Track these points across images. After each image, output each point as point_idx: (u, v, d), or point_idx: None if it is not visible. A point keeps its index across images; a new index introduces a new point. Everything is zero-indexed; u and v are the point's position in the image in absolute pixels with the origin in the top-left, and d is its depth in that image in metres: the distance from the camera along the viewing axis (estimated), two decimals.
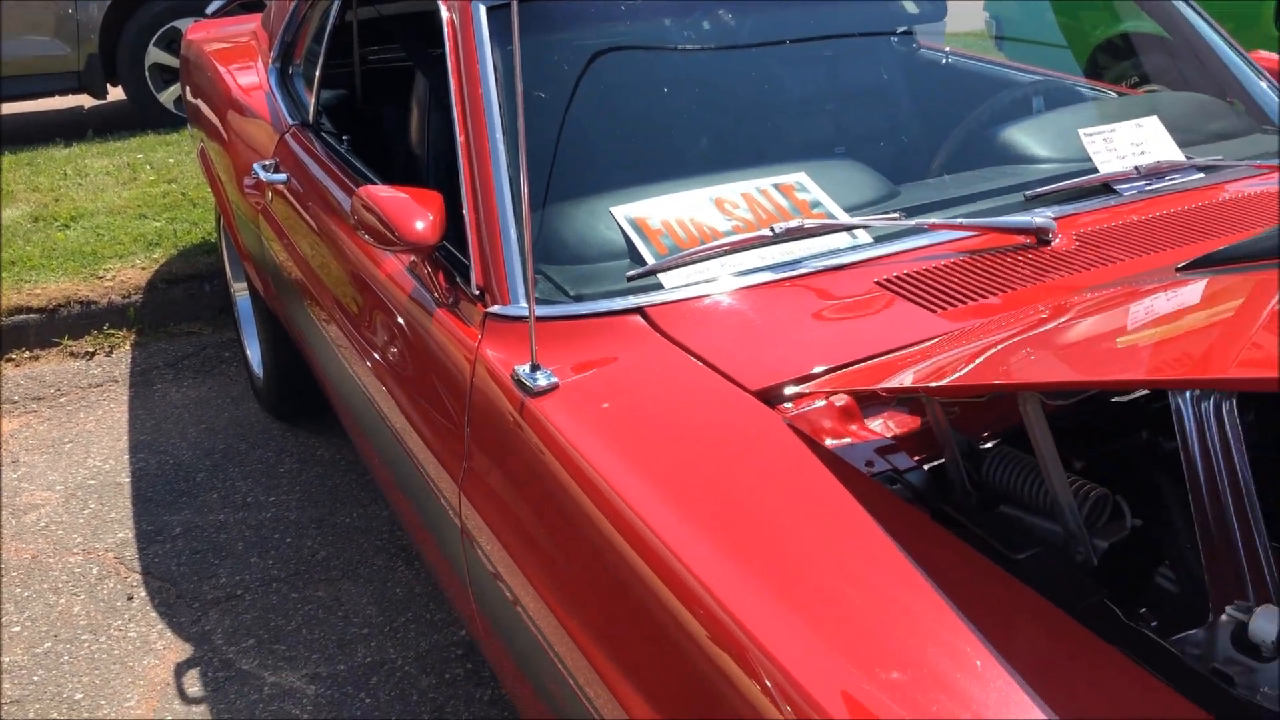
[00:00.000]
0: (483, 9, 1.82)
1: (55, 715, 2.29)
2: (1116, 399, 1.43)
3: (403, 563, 2.71)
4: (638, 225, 1.64)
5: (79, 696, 2.34)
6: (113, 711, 2.29)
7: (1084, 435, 1.39)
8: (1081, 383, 1.12)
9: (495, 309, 1.58)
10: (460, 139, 1.73)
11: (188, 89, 3.76)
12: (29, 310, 3.77)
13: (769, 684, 0.99)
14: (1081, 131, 1.85)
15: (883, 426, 1.35)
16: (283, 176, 2.48)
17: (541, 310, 1.53)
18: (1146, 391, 1.43)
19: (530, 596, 1.34)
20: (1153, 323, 1.17)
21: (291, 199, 2.43)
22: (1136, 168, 1.82)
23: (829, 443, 1.30)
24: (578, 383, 1.42)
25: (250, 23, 3.65)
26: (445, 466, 1.59)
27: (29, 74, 5.62)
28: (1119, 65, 2.84)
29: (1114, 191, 1.79)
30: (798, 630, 1.02)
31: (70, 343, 3.81)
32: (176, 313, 3.95)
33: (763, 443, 1.28)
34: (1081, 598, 1.09)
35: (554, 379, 1.42)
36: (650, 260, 1.60)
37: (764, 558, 1.11)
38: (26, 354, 3.77)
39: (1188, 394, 1.27)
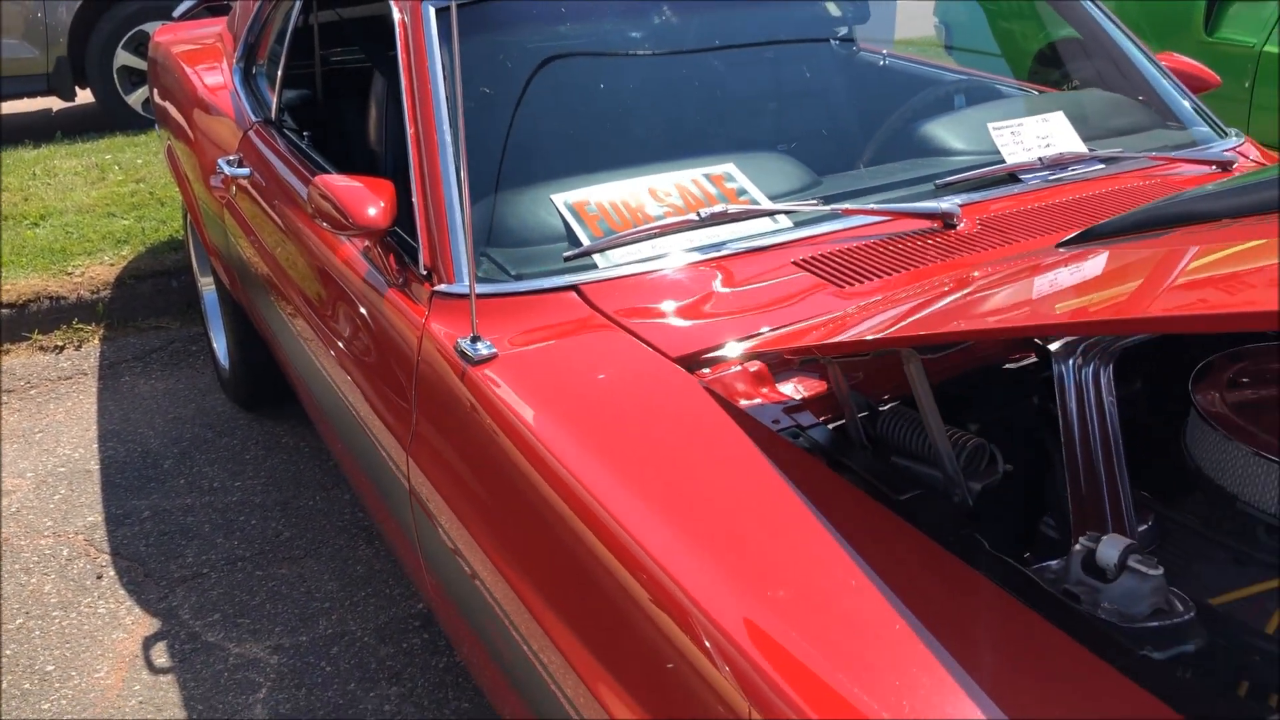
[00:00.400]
0: (431, 10, 1.94)
1: (28, 685, 2.39)
2: (1007, 366, 1.58)
3: (363, 542, 2.82)
4: (575, 210, 1.77)
5: (50, 668, 2.44)
6: (83, 682, 2.39)
7: (979, 402, 1.53)
8: (949, 334, 1.25)
9: (441, 287, 1.70)
10: (410, 130, 1.85)
11: (156, 90, 3.85)
12: None
13: (680, 608, 1.11)
14: (990, 125, 2.00)
15: (792, 390, 1.48)
16: (246, 171, 2.59)
17: (483, 288, 1.65)
18: (1035, 359, 1.57)
19: (470, 546, 1.46)
20: (1023, 287, 1.31)
21: (254, 192, 2.54)
22: (1040, 159, 1.96)
23: (742, 403, 1.42)
24: (516, 353, 1.55)
25: (216, 25, 3.75)
26: (394, 433, 1.71)
27: None
28: (1053, 71, 3.00)
29: (1019, 180, 1.94)
30: (705, 562, 1.15)
31: (40, 337, 3.90)
32: (144, 308, 4.04)
33: (681, 404, 1.41)
34: (955, 532, 1.22)
35: (493, 349, 1.54)
36: (585, 242, 1.72)
37: (679, 503, 1.23)
38: None
39: (1070, 361, 1.42)
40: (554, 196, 1.80)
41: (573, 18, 2.05)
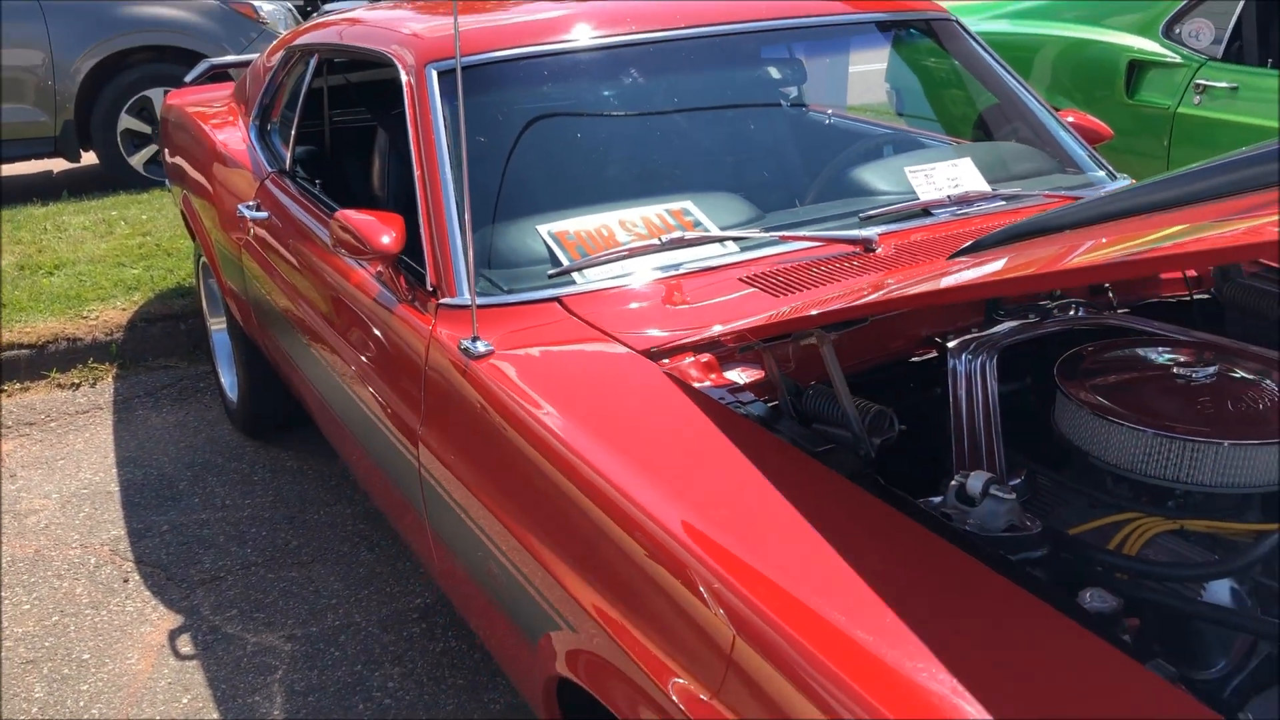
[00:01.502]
0: (434, 73, 2.30)
1: (67, 670, 2.66)
2: (913, 360, 1.92)
3: (364, 549, 3.12)
4: (557, 237, 2.12)
5: (86, 657, 2.72)
6: (116, 668, 2.67)
7: (892, 387, 1.87)
8: (850, 310, 1.59)
9: (445, 300, 2.04)
10: (417, 172, 2.20)
11: (168, 149, 4.20)
12: (20, 346, 4.15)
13: (644, 530, 1.43)
14: (906, 169, 2.36)
15: (736, 375, 1.81)
16: (265, 214, 2.93)
17: (481, 300, 1.99)
18: (935, 354, 1.92)
19: (470, 501, 1.78)
20: (927, 275, 1.65)
21: (272, 233, 2.88)
22: (949, 196, 2.32)
23: (696, 385, 1.76)
24: (509, 350, 1.88)
25: (224, 90, 4.11)
26: (405, 423, 2.04)
27: (11, 139, 6.04)
28: (976, 128, 3.35)
29: (930, 214, 2.29)
30: (666, 495, 1.47)
31: (58, 375, 4.20)
32: (155, 348, 4.35)
33: (646, 385, 1.74)
34: (860, 473, 1.55)
35: (491, 347, 1.88)
36: (565, 262, 2.07)
37: (643, 456, 1.56)
38: (18, 386, 4.15)
39: (963, 355, 1.77)
40: (539, 227, 2.15)
41: (554, 79, 2.41)
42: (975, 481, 1.49)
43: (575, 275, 2.06)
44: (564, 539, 1.58)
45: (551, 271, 2.06)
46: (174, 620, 2.85)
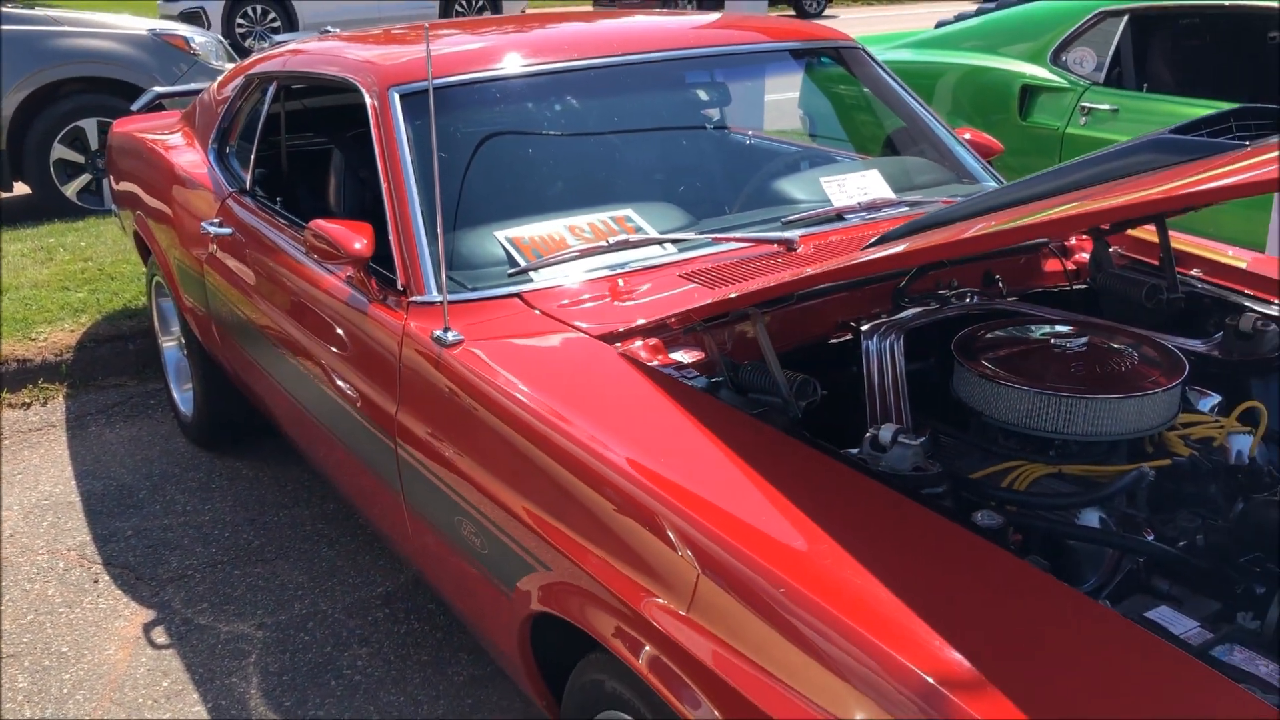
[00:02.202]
0: (396, 95, 2.54)
1: (48, 662, 2.81)
2: (832, 341, 2.20)
3: (325, 545, 3.30)
4: (514, 242, 2.36)
5: (65, 649, 2.86)
6: (95, 658, 2.83)
7: (815, 363, 2.14)
8: (778, 288, 1.85)
9: (416, 298, 2.27)
10: (384, 185, 2.43)
11: (116, 175, 4.35)
12: None
13: (608, 480, 1.68)
14: (821, 179, 2.65)
15: (681, 355, 2.07)
16: (228, 230, 3.12)
17: (449, 297, 2.22)
18: (850, 337, 2.20)
19: (446, 470, 2.01)
20: (845, 256, 1.93)
21: (237, 246, 3.07)
22: (859, 203, 2.62)
23: (647, 364, 2.01)
24: (477, 338, 2.12)
25: (169, 117, 4.27)
26: (383, 410, 2.25)
27: None
28: (884, 146, 3.65)
29: (843, 219, 2.58)
30: (627, 450, 1.71)
31: (9, 395, 4.30)
32: (104, 368, 4.47)
33: (603, 364, 1.99)
34: (788, 428, 1.81)
35: (460, 336, 2.11)
36: (523, 264, 2.31)
37: (604, 420, 1.80)
38: None
39: (874, 337, 2.04)
40: (496, 233, 2.39)
41: (506, 101, 2.66)
42: (885, 432, 1.77)
43: (532, 274, 2.30)
44: (537, 494, 1.82)
45: (511, 271, 2.30)
46: (147, 615, 3.01)
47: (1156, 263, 2.42)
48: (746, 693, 1.38)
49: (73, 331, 4.56)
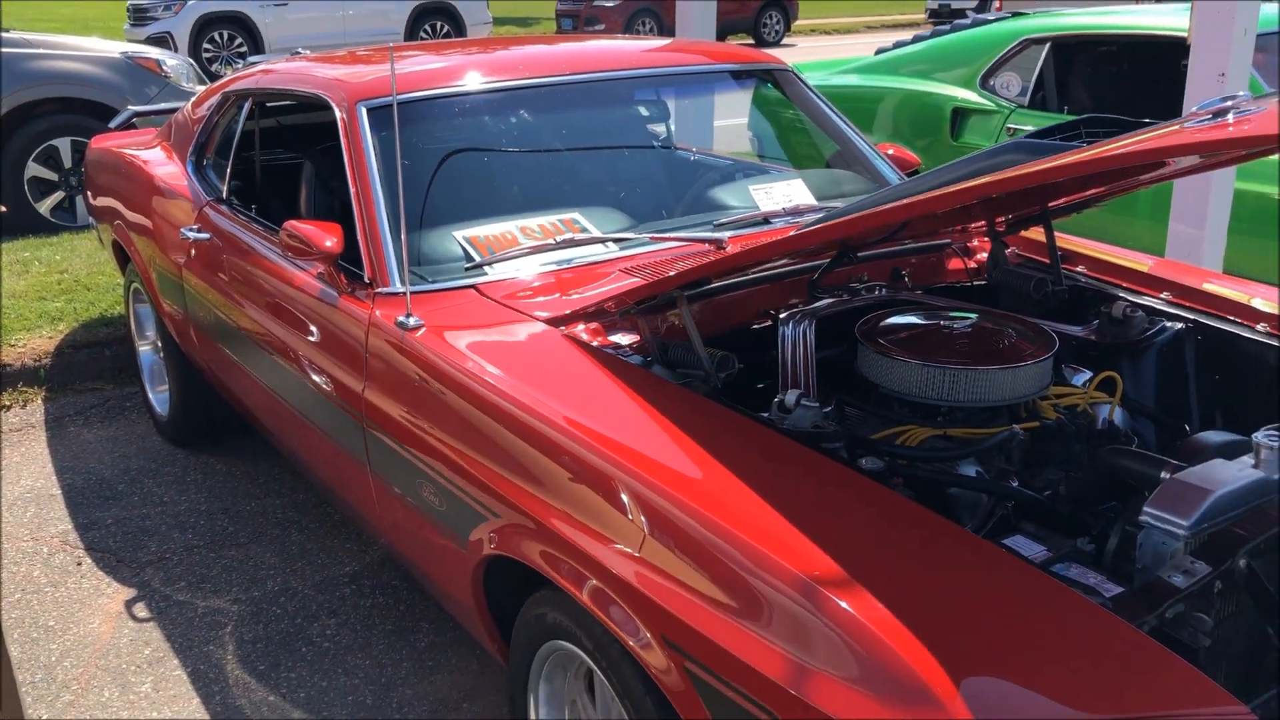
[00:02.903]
0: (364, 109, 2.80)
1: (36, 634, 3.02)
2: (754, 327, 2.47)
3: (295, 531, 3.53)
4: (470, 240, 2.62)
5: (52, 623, 3.07)
6: (81, 630, 3.04)
7: (743, 348, 2.41)
8: (702, 268, 2.11)
9: (381, 290, 2.52)
10: (353, 189, 2.68)
11: (94, 189, 4.57)
12: None
13: (556, 442, 1.93)
14: (750, 187, 2.93)
15: (618, 338, 2.33)
16: (206, 235, 3.36)
17: (412, 288, 2.47)
18: (770, 323, 2.47)
19: (410, 438, 2.26)
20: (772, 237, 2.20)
21: (214, 249, 3.31)
22: (784, 208, 2.89)
23: (588, 344, 2.27)
24: (437, 323, 2.37)
25: (145, 134, 4.50)
26: (351, 390, 2.50)
27: None
28: (815, 161, 3.92)
29: (769, 222, 2.86)
30: (566, 411, 1.97)
31: None
32: (82, 373, 4.68)
33: (550, 345, 2.25)
34: (711, 395, 2.08)
35: (421, 322, 2.36)
36: (478, 259, 2.57)
37: (550, 389, 2.06)
38: None
39: (790, 323, 2.31)
40: (455, 233, 2.65)
41: (464, 115, 2.93)
42: (790, 396, 2.04)
43: (487, 268, 2.56)
44: (489, 455, 2.07)
45: (467, 265, 2.56)
46: (128, 593, 3.22)
47: (1046, 261, 2.71)
48: (673, 609, 1.63)
49: (51, 338, 4.77)
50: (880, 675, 1.39)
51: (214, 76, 13.45)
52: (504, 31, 21.04)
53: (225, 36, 16.06)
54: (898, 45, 6.24)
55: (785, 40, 21.34)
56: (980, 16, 6.00)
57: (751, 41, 20.69)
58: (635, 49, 3.46)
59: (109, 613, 3.12)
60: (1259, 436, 1.79)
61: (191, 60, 7.73)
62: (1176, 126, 1.60)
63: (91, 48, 7.02)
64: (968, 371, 2.10)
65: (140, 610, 3.13)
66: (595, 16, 19.52)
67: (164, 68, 7.09)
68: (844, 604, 1.46)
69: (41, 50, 6.74)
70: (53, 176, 6.77)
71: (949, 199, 1.76)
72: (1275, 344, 2.33)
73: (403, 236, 2.45)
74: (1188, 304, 2.51)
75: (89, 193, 4.74)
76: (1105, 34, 5.11)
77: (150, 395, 4.30)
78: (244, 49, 16.07)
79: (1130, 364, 2.46)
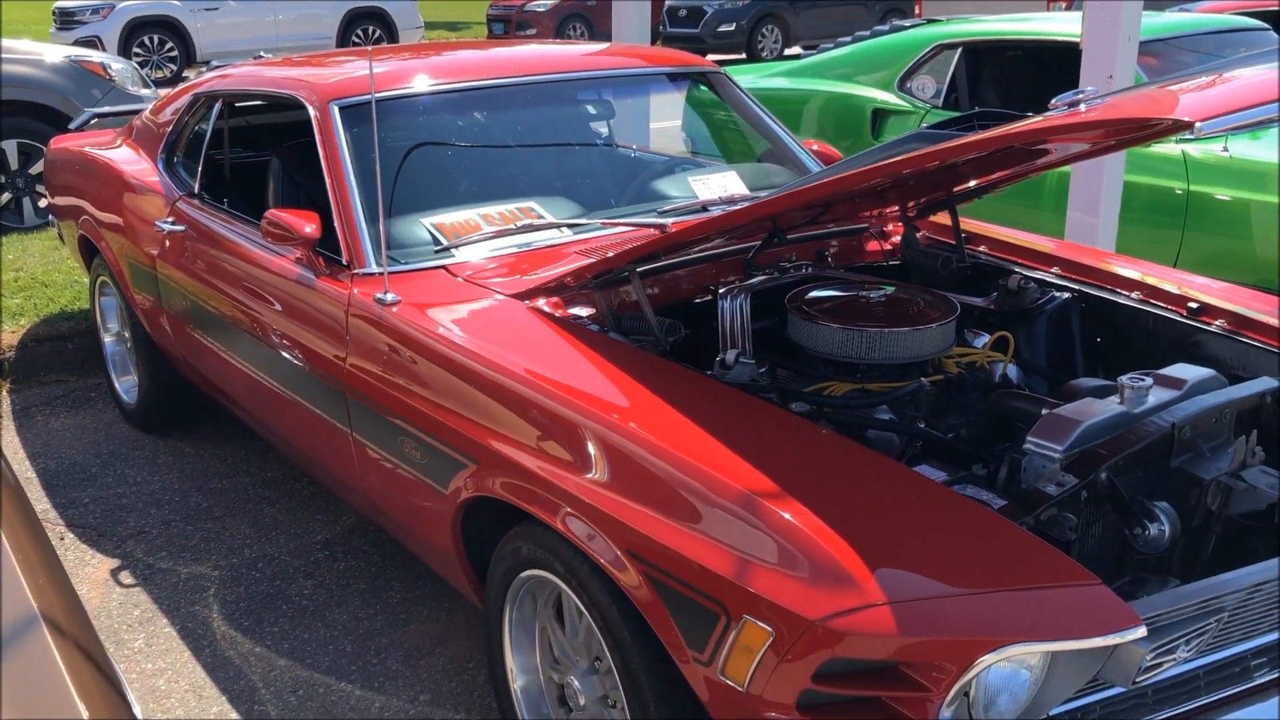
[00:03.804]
0: (336, 108, 3.05)
1: None
2: (696, 301, 2.77)
3: (268, 505, 3.76)
4: (436, 227, 2.89)
5: None
6: None
7: (688, 320, 2.70)
8: (649, 245, 2.41)
9: (358, 270, 2.78)
10: (328, 181, 2.94)
11: (57, 188, 4.75)
12: None
13: (523, 397, 2.22)
14: (689, 179, 3.24)
15: (578, 310, 2.62)
16: (181, 227, 3.59)
17: (388, 269, 2.74)
18: (710, 299, 2.77)
19: (389, 399, 2.52)
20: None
21: (189, 240, 3.54)
22: (720, 197, 3.20)
23: (551, 314, 2.55)
24: (411, 300, 2.64)
25: (101, 135, 4.68)
26: (333, 362, 2.75)
27: None
28: (747, 158, 4.21)
29: (707, 210, 3.16)
30: (531, 367, 2.26)
31: None
32: (46, 365, 4.84)
33: (515, 316, 2.53)
34: (663, 358, 2.37)
35: (398, 298, 2.63)
36: (445, 243, 2.85)
37: (518, 352, 2.34)
38: None
39: (728, 297, 2.61)
40: (422, 220, 2.92)
41: (430, 113, 3.20)
42: (730, 354, 2.35)
43: (454, 251, 2.84)
44: (464, 410, 2.35)
45: (436, 249, 2.84)
46: (112, 563, 3.43)
47: (953, 242, 3.05)
48: (637, 526, 1.91)
49: (13, 333, 4.92)
50: (811, 566, 1.69)
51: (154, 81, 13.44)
52: (435, 36, 21.18)
53: (155, 40, 16.02)
54: (822, 49, 6.61)
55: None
56: (899, 23, 6.38)
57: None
58: (584, 53, 3.76)
59: (96, 580, 3.34)
60: (1123, 379, 2.14)
61: (136, 65, 7.86)
62: (1042, 116, 1.93)
63: (37, 51, 7.13)
64: (881, 333, 2.43)
65: (126, 578, 3.35)
66: (527, 21, 19.75)
67: (109, 71, 7.22)
68: (781, 512, 1.76)
69: None
70: None
71: (858, 178, 2.08)
72: (1147, 309, 2.69)
73: (380, 222, 2.71)
74: (1073, 276, 2.87)
75: (49, 191, 4.91)
76: (1012, 39, 5.51)
77: (116, 384, 4.49)
78: (174, 53, 16.06)
79: (1024, 329, 2.81)
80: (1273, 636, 1.99)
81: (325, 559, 3.42)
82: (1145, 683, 1.83)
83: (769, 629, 1.70)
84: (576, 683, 2.26)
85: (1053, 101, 1.90)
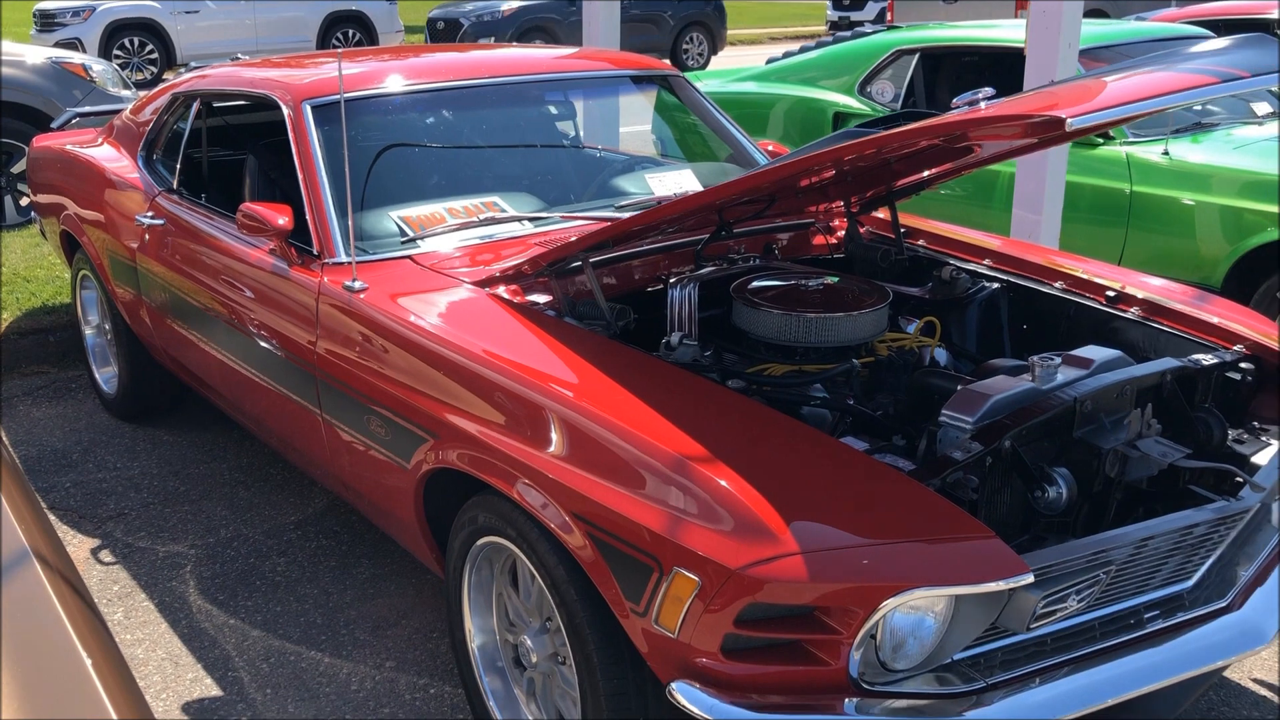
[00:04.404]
0: (309, 106, 3.21)
1: None
2: (649, 290, 2.94)
3: (243, 489, 3.91)
4: (404, 219, 3.05)
5: None
6: None
7: (640, 308, 2.87)
8: (599, 233, 2.58)
9: (329, 260, 2.94)
10: (301, 176, 3.10)
11: (39, 186, 4.88)
12: None
13: (471, 370, 2.38)
14: (646, 176, 3.41)
15: (535, 297, 2.78)
16: (160, 221, 3.74)
17: (356, 258, 2.89)
18: (662, 288, 2.94)
19: (356, 379, 2.68)
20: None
21: (168, 233, 3.69)
22: (674, 193, 3.38)
23: (509, 300, 2.72)
24: (378, 287, 2.80)
25: (87, 134, 4.82)
26: (304, 346, 2.91)
27: None
28: (703, 159, 4.37)
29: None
30: (489, 348, 2.42)
31: None
32: (27, 358, 4.98)
33: (476, 302, 2.69)
34: (612, 340, 2.54)
35: (365, 285, 2.79)
36: (411, 234, 3.01)
37: (472, 332, 2.50)
38: None
39: (678, 286, 2.78)
40: (390, 213, 3.08)
41: (398, 111, 3.36)
42: (674, 337, 2.52)
43: (419, 242, 3.00)
44: (426, 388, 2.51)
45: (402, 240, 3.00)
46: (93, 542, 3.57)
47: (893, 236, 3.23)
48: (581, 490, 2.08)
49: None
50: (734, 521, 1.86)
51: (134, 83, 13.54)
52: (415, 39, 21.31)
53: (136, 43, 16.10)
54: (787, 55, 6.80)
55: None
56: (860, 29, 6.58)
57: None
58: (546, 56, 3.94)
59: (76, 559, 3.48)
60: (1034, 359, 2.32)
61: (116, 66, 7.98)
62: (944, 114, 2.11)
63: (18, 53, 7.25)
64: (817, 319, 2.60)
65: (105, 556, 3.49)
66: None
67: (90, 72, 7.35)
68: (709, 474, 1.93)
69: None
70: None
71: (791, 167, 2.26)
72: (1069, 298, 2.87)
73: (349, 215, 2.87)
74: (1003, 268, 3.05)
75: (31, 189, 5.04)
76: (966, 45, 5.71)
77: (96, 375, 4.63)
78: (155, 55, 16.14)
79: (956, 316, 2.99)
80: (1164, 592, 2.17)
81: (297, 538, 3.58)
82: (1042, 630, 2.01)
83: (696, 578, 1.86)
84: (529, 642, 2.42)
85: (954, 101, 2.07)
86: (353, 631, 3.10)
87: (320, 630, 3.10)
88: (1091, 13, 13.15)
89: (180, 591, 3.30)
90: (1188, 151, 4.77)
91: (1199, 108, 5.37)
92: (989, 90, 2.13)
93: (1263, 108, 5.33)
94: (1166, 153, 4.75)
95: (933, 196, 5.27)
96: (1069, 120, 1.67)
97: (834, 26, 24.24)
